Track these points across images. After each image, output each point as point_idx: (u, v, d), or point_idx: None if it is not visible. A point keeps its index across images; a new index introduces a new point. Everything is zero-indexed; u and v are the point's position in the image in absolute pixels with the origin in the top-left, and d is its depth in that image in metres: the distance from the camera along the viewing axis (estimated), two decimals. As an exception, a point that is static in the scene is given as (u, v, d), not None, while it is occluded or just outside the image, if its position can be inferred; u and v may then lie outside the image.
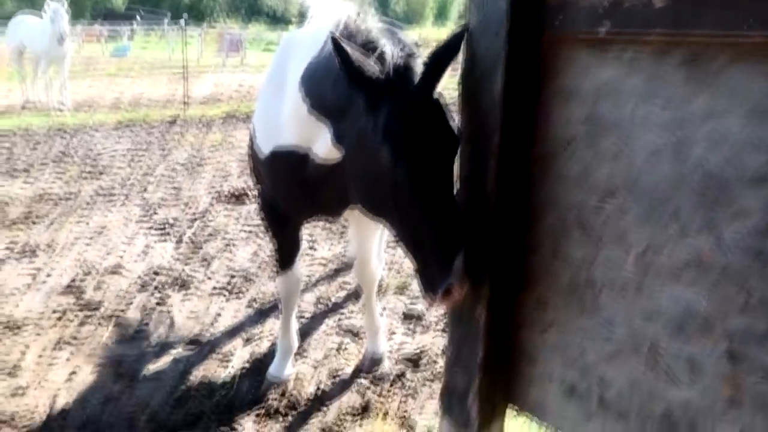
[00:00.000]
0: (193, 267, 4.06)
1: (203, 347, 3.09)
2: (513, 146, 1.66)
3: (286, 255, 2.60)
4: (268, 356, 2.98)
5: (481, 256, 1.74)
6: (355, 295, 3.73)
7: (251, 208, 5.40)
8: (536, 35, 1.60)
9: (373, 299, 2.90)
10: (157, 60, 25.10)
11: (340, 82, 1.73)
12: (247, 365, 2.94)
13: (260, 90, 2.48)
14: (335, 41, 1.62)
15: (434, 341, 3.21)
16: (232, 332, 3.25)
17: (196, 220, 5.00)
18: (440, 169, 1.66)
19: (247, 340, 3.17)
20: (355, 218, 2.53)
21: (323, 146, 1.99)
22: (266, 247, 4.46)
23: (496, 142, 1.62)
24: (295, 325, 2.84)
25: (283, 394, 2.67)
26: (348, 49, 1.62)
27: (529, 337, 1.85)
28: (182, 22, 12.30)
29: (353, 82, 1.64)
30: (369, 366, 2.91)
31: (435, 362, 2.99)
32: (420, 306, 3.58)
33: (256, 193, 5.65)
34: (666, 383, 1.58)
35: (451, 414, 1.95)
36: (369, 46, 1.78)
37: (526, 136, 1.68)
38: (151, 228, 4.79)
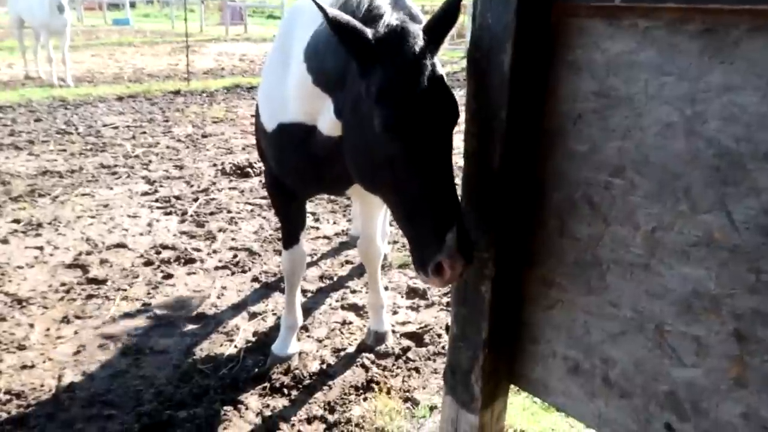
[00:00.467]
0: (198, 243, 4.06)
1: (208, 323, 3.09)
2: (520, 121, 1.62)
3: (291, 231, 2.58)
4: (273, 332, 2.99)
5: (476, 233, 1.72)
6: (358, 272, 3.72)
7: (255, 182, 5.38)
8: (546, 5, 1.54)
9: (377, 276, 2.88)
10: (158, 31, 24.85)
11: (339, 51, 1.69)
12: (252, 341, 2.95)
13: (265, 64, 2.42)
14: (320, 6, 1.55)
15: (438, 317, 3.21)
16: (237, 308, 3.25)
17: (199, 195, 4.98)
18: (435, 138, 1.59)
19: (252, 316, 3.17)
20: (358, 195, 2.49)
21: (327, 121, 1.95)
22: (270, 222, 4.46)
23: (504, 117, 1.58)
24: (299, 302, 2.83)
25: (287, 371, 2.67)
26: (332, 10, 1.57)
27: (533, 315, 1.84)
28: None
29: (344, 43, 1.59)
30: (373, 342, 2.91)
31: (439, 338, 2.99)
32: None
33: (261, 168, 5.65)
34: (671, 363, 1.56)
35: (455, 392, 1.95)
36: (372, 12, 1.74)
37: (534, 111, 1.64)
38: (154, 203, 4.77)
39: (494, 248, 1.71)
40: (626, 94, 1.47)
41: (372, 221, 2.73)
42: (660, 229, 1.48)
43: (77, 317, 3.09)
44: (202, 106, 8.93)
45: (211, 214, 4.59)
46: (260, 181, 5.41)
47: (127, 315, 3.14)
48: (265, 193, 5.04)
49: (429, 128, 1.57)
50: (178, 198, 4.88)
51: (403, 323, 3.16)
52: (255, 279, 3.58)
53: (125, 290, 3.38)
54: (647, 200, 1.49)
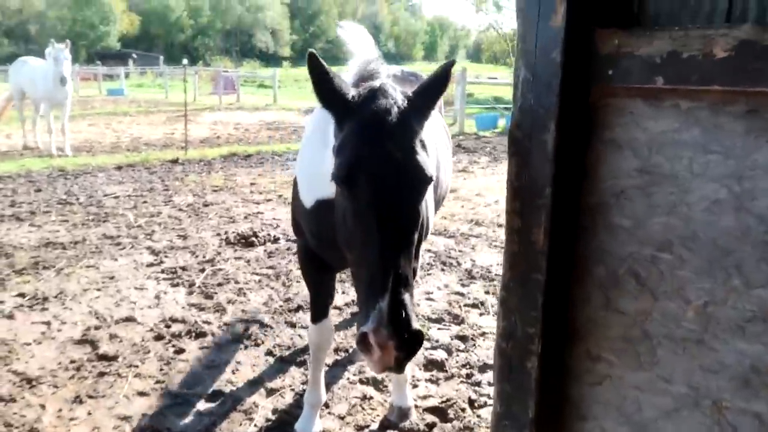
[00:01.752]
0: (207, 315, 3.99)
1: (225, 401, 3.00)
2: (564, 198, 1.65)
3: (321, 305, 2.56)
4: (293, 409, 2.91)
5: (522, 309, 1.71)
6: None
7: (260, 252, 5.36)
8: (586, 86, 1.61)
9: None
10: (152, 100, 25.37)
11: None
12: (272, 419, 2.86)
13: (303, 143, 2.46)
14: (312, 55, 1.61)
15: (459, 390, 3.14)
16: (253, 384, 3.17)
17: (205, 265, 4.94)
18: (386, 198, 1.54)
19: (270, 392, 3.08)
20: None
21: None
22: (279, 293, 4.41)
23: (549, 194, 1.61)
24: (323, 379, 2.77)
25: (312, 450, 2.58)
26: (324, 63, 1.62)
27: (579, 391, 1.81)
28: (185, 61, 12.34)
29: (322, 97, 1.64)
30: (397, 419, 2.83)
31: (463, 413, 2.92)
32: (441, 353, 3.52)
33: (266, 237, 5.64)
34: (732, 440, 1.53)
35: (500, 473, 1.88)
36: (371, 74, 1.86)
37: (575, 188, 1.67)
38: (161, 274, 4.72)
39: (541, 324, 1.70)
40: (671, 171, 1.51)
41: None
42: (712, 304, 1.48)
43: (90, 396, 2.99)
44: (200, 174, 9.00)
45: (219, 285, 4.54)
46: (265, 250, 5.40)
47: (141, 393, 3.04)
48: (272, 263, 5.03)
49: (379, 186, 1.54)
50: (184, 269, 4.84)
51: (425, 397, 3.08)
52: (269, 353, 3.51)
53: (137, 367, 3.29)
54: (697, 275, 1.50)
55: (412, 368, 3.35)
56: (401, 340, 1.43)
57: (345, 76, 2.28)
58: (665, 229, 1.55)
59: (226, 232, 5.84)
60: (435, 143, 2.59)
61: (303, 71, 55.71)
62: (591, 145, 1.66)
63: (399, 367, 1.50)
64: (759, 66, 1.30)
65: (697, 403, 1.57)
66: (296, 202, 2.39)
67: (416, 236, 1.64)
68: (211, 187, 8.00)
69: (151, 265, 4.94)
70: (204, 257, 5.13)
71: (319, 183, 2.19)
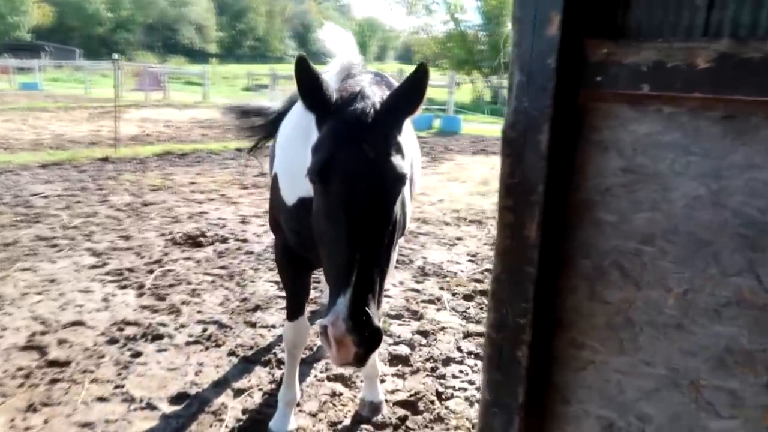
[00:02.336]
0: (162, 317, 3.88)
1: (191, 403, 2.94)
2: (554, 195, 1.75)
3: (298, 303, 2.56)
4: (263, 409, 2.89)
5: (514, 300, 1.81)
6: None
7: (209, 252, 5.24)
8: (575, 90, 1.71)
9: (374, 345, 2.88)
10: (70, 96, 24.06)
11: None
12: (242, 419, 2.83)
13: (282, 140, 2.45)
14: (302, 58, 1.65)
15: (426, 383, 3.22)
16: (219, 385, 3.12)
17: (153, 266, 4.78)
18: (357, 197, 1.59)
19: (237, 393, 3.04)
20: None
21: None
22: (235, 293, 4.35)
23: (542, 191, 1.70)
24: (297, 377, 2.77)
25: (289, 448, 2.58)
26: (313, 67, 1.67)
27: (564, 377, 1.92)
28: (115, 56, 11.81)
29: (307, 99, 1.69)
30: (369, 413, 2.88)
31: (432, 405, 3.00)
32: (405, 348, 3.59)
33: (214, 237, 5.52)
34: (708, 416, 1.68)
35: (488, 458, 1.97)
36: (351, 77, 1.90)
37: (564, 186, 1.78)
38: (106, 276, 4.53)
39: (531, 314, 1.80)
40: (654, 170, 1.64)
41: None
42: (692, 291, 1.63)
43: (44, 404, 2.84)
44: (135, 173, 8.67)
45: (171, 286, 4.41)
46: (214, 250, 5.29)
47: (101, 399, 2.92)
48: (223, 263, 4.94)
49: (350, 184, 1.59)
50: (131, 270, 4.67)
51: (393, 392, 3.14)
52: (232, 353, 3.46)
53: (92, 372, 3.16)
54: (678, 265, 1.64)
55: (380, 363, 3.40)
56: (360, 337, 1.47)
57: (326, 76, 2.31)
58: (648, 223, 1.69)
59: (171, 233, 5.67)
60: (408, 144, 2.65)
61: (232, 68, 54.44)
62: (578, 146, 1.77)
63: (359, 363, 1.54)
64: (736, 76, 1.45)
65: (676, 383, 1.71)
66: (276, 199, 2.39)
67: (387, 235, 1.68)
68: (148, 187, 7.72)
69: (94, 267, 4.72)
70: (151, 258, 4.97)
71: (302, 181, 2.20)
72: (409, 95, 1.73)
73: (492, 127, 16.88)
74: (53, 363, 3.21)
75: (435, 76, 34.03)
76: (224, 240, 5.56)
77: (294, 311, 2.58)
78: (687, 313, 1.64)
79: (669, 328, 1.68)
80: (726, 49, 1.45)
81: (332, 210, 1.61)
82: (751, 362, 1.56)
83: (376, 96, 1.75)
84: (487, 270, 5.05)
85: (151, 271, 4.66)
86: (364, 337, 1.49)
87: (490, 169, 10.05)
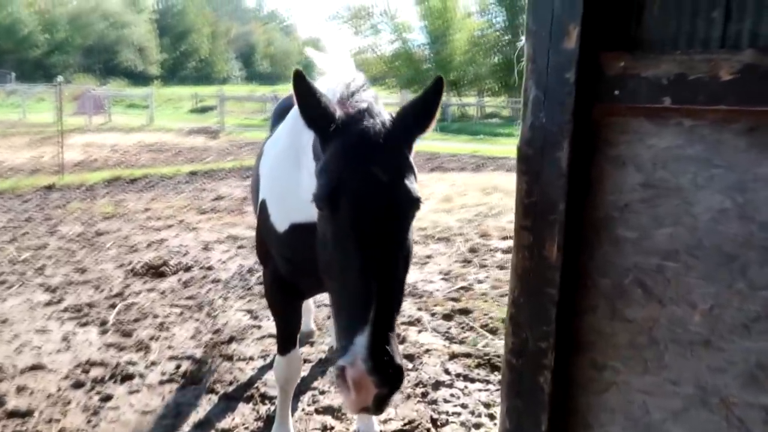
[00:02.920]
0: (130, 355, 3.63)
1: (174, 448, 2.73)
2: (574, 214, 1.69)
3: (290, 334, 2.42)
4: (253, 449, 2.71)
5: (533, 324, 1.73)
6: (320, 370, 3.54)
7: (173, 282, 4.99)
8: (590, 104, 1.67)
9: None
10: (7, 121, 22.99)
11: None
12: (232, 462, 2.64)
13: (269, 164, 2.31)
14: (298, 73, 1.54)
15: (419, 410, 3.12)
16: (202, 426, 2.92)
17: (115, 300, 4.51)
18: (369, 223, 1.46)
19: (223, 434, 2.85)
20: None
21: None
22: (206, 325, 4.14)
23: (562, 209, 1.65)
24: (291, 413, 2.61)
25: (286, 491, 2.41)
26: (310, 82, 1.57)
27: (585, 401, 1.85)
28: (59, 78, 11.31)
29: (307, 117, 1.58)
30: (365, 446, 2.74)
31: (429, 432, 2.89)
32: (392, 373, 3.47)
33: (178, 266, 5.28)
34: (739, 433, 1.64)
35: (509, 491, 1.87)
36: (352, 93, 1.79)
37: (581, 203, 1.73)
38: (64, 314, 4.23)
39: (553, 338, 1.72)
40: (675, 184, 1.61)
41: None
42: (718, 306, 1.59)
43: (8, 462, 2.58)
44: (83, 201, 8.27)
45: (136, 320, 4.15)
46: (179, 280, 5.05)
47: (72, 451, 2.68)
48: (190, 293, 4.72)
49: (362, 210, 1.47)
50: (90, 306, 4.38)
51: (386, 421, 3.02)
52: (211, 390, 3.26)
53: (59, 421, 2.90)
54: (703, 281, 1.60)
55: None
56: (382, 377, 1.33)
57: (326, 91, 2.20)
58: (670, 239, 1.65)
59: (130, 263, 5.38)
60: None
61: (176, 90, 53.31)
62: (595, 162, 1.73)
63: (378, 407, 1.38)
64: (761, 87, 1.43)
65: (705, 402, 1.67)
66: (266, 226, 2.25)
67: (403, 264, 1.57)
68: (100, 215, 7.36)
69: (49, 303, 4.41)
70: (111, 291, 4.68)
71: (294, 206, 2.09)
72: (421, 112, 1.64)
73: (444, 144, 17.05)
74: (13, 414, 2.93)
75: (383, 95, 34.35)
76: (188, 268, 5.32)
77: (286, 344, 2.44)
78: (714, 329, 1.60)
79: (696, 346, 1.64)
80: (751, 60, 1.42)
81: (343, 239, 1.48)
82: (785, 377, 1.53)
83: (384, 113, 1.65)
84: (462, 288, 4.99)
85: (113, 306, 4.38)
86: (386, 378, 1.35)
87: (450, 185, 10.09)
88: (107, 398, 3.12)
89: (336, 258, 1.50)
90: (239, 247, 6.08)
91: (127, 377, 3.35)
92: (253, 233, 6.82)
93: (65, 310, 4.29)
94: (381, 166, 1.51)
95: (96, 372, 3.39)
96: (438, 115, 1.67)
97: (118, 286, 4.80)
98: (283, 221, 2.12)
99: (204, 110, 35.76)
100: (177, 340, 3.86)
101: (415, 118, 1.65)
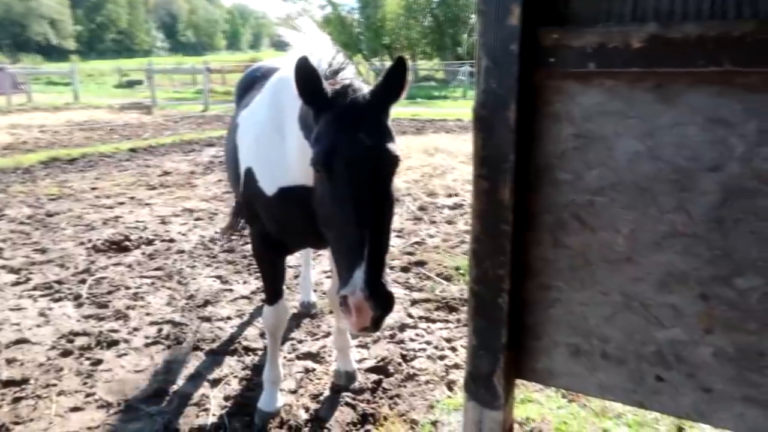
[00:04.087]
0: (111, 324, 3.81)
1: (172, 398, 2.99)
2: (522, 162, 2.05)
3: (277, 287, 2.69)
4: (245, 392, 3.02)
5: (492, 256, 2.10)
6: (294, 323, 3.84)
7: (138, 255, 5.13)
8: (531, 71, 2.01)
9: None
10: None
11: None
12: (227, 405, 2.93)
13: (253, 134, 2.53)
14: (304, 59, 1.80)
15: (389, 349, 3.48)
16: (194, 378, 3.18)
17: (84, 276, 4.62)
18: (361, 181, 1.79)
19: (214, 383, 3.13)
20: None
21: None
22: (179, 292, 4.34)
23: (513, 159, 2.00)
24: (280, 357, 2.91)
25: (282, 424, 2.74)
26: (314, 67, 1.83)
27: (534, 316, 2.25)
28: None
29: (307, 96, 1.86)
30: (345, 382, 3.09)
31: (401, 366, 3.27)
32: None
33: (140, 239, 5.40)
34: (656, 328, 2.07)
35: (477, 396, 2.26)
36: (335, 69, 2.09)
37: (529, 153, 2.08)
38: (35, 291, 4.33)
39: (509, 266, 2.10)
40: (600, 134, 1.98)
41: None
42: (636, 229, 2.00)
43: (16, 423, 2.77)
44: (24, 183, 8.09)
45: (109, 293, 4.31)
46: (143, 253, 5.19)
47: (75, 409, 2.90)
48: (157, 264, 4.88)
49: (353, 169, 1.78)
50: (60, 282, 4.49)
51: (361, 360, 3.37)
52: (196, 348, 3.51)
53: (55, 385, 3.10)
54: (625, 210, 2.00)
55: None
56: (377, 301, 1.68)
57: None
58: (598, 178, 2.03)
59: (90, 240, 5.45)
60: None
61: (96, 65, 50.63)
62: (536, 118, 2.08)
63: (376, 326, 1.73)
64: (663, 53, 1.81)
65: (629, 306, 2.09)
66: (253, 191, 2.49)
67: (388, 213, 1.91)
68: (46, 196, 7.26)
69: (17, 283, 4.48)
70: (77, 268, 4.78)
71: (281, 172, 2.35)
72: (393, 84, 1.94)
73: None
74: (9, 383, 3.10)
75: (317, 62, 33.94)
76: (150, 242, 5.45)
77: (273, 295, 2.72)
78: (634, 248, 2.02)
79: (620, 262, 2.06)
80: (655, 31, 1.80)
81: (340, 194, 1.78)
82: (686, 280, 1.96)
83: (365, 88, 1.95)
84: (416, 243, 5.37)
85: (83, 281, 4.50)
86: (381, 302, 1.69)
87: (393, 149, 10.39)
88: (98, 362, 3.32)
89: (333, 211, 1.81)
90: (196, 219, 6.23)
91: (113, 343, 3.55)
92: (207, 205, 6.92)
93: (35, 288, 4.38)
94: (366, 132, 1.82)
95: (81, 341, 3.56)
96: (407, 85, 1.97)
97: (83, 263, 4.90)
98: (271, 185, 2.38)
99: (131, 84, 34.37)
100: (154, 308, 4.06)
101: (389, 90, 1.95)
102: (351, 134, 1.80)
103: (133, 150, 10.85)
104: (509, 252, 2.11)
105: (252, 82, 3.06)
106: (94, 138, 12.73)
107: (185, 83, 33.21)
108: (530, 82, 2.05)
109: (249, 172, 2.50)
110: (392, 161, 1.87)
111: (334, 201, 1.81)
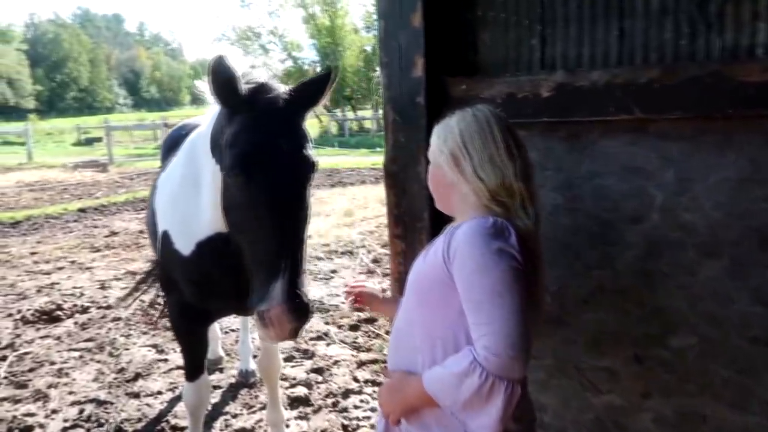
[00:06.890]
0: (27, 406, 3.48)
1: (82, 493, 2.69)
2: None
3: (198, 361, 2.46)
4: (167, 480, 2.73)
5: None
6: (230, 395, 3.58)
7: (70, 326, 4.79)
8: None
9: (277, 391, 2.85)
10: None
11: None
12: (145, 497, 2.64)
13: (168, 196, 2.34)
14: (221, 58, 1.68)
15: (330, 419, 3.24)
16: (112, 467, 2.88)
17: (5, 353, 4.28)
18: (279, 187, 1.68)
19: (134, 471, 2.84)
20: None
21: None
22: (109, 365, 4.03)
23: (427, 217, 1.86)
24: (203, 437, 2.66)
25: None
26: (233, 68, 1.70)
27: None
28: None
29: (224, 99, 1.73)
30: (279, 462, 2.84)
31: (340, 438, 3.03)
32: (302, 389, 3.59)
33: (73, 308, 5.08)
34: (591, 394, 1.91)
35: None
36: (248, 78, 1.95)
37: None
38: (-52, 373, 3.96)
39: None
40: (518, 187, 1.87)
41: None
42: (564, 287, 1.87)
43: None
44: (-46, 251, 7.66)
45: (31, 370, 3.97)
46: (75, 323, 4.85)
47: None
48: (89, 335, 4.57)
49: (271, 174, 1.67)
50: (-22, 361, 4.13)
51: (299, 434, 3.12)
52: (119, 430, 3.21)
53: (-47, 485, 2.76)
54: (549, 266, 1.87)
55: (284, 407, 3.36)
56: (295, 314, 1.58)
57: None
58: (519, 234, 1.91)
59: (19, 311, 5.09)
60: None
61: (56, 123, 50.04)
62: (451, 173, 1.96)
63: (294, 336, 1.65)
64: (572, 102, 1.72)
65: (562, 370, 1.93)
66: (169, 256, 2.30)
67: (305, 220, 1.77)
68: (-24, 264, 6.86)
69: (-70, 364, 4.11)
70: (0, 343, 4.43)
71: (197, 226, 2.17)
72: (313, 89, 1.82)
73: (343, 159, 17.30)
74: None
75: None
76: (85, 310, 5.12)
77: (194, 370, 2.48)
78: (562, 306, 1.88)
79: (550, 324, 1.91)
80: (562, 80, 1.72)
81: (256, 201, 1.66)
82: (618, 341, 1.82)
83: (281, 88, 1.80)
84: (366, 297, 5.17)
85: (3, 358, 4.15)
86: (298, 314, 1.59)
87: (350, 199, 10.30)
88: (6, 454, 3.00)
89: (249, 218, 1.68)
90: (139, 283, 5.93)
91: (26, 430, 3.22)
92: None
93: (-51, 369, 4.02)
94: (284, 137, 1.71)
95: (-10, 429, 3.23)
96: (329, 94, 1.84)
97: (8, 338, 4.54)
98: (187, 244, 2.18)
99: (90, 142, 33.89)
100: (78, 385, 3.74)
101: (308, 94, 1.82)
102: (268, 139, 1.68)
103: (82, 210, 10.48)
104: (431, 318, 1.95)
105: (176, 141, 2.89)
106: (43, 199, 12.32)
107: (146, 139, 32.90)
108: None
109: (165, 236, 2.31)
110: (310, 166, 1.75)
111: (251, 207, 1.67)
